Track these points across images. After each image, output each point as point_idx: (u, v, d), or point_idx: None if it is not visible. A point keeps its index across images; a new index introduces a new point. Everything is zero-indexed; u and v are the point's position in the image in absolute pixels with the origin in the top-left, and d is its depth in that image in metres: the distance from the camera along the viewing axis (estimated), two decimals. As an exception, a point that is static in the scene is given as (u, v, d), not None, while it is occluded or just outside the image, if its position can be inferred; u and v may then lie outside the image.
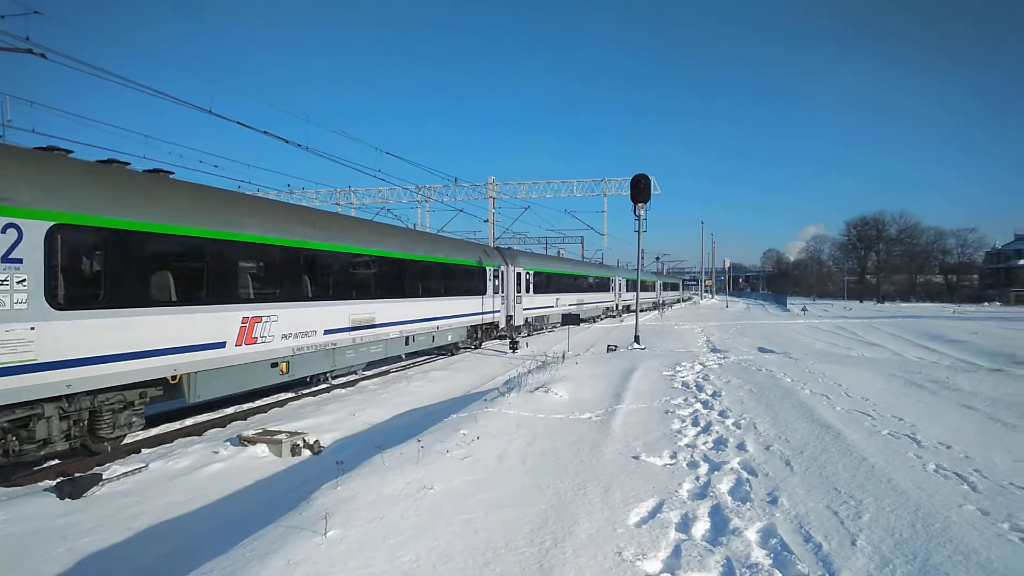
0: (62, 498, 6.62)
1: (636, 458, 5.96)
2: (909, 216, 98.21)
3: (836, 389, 9.52)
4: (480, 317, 20.97)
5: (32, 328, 6.81)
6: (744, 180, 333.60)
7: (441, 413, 8.79)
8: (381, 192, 40.90)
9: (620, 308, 44.57)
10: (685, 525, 4.40)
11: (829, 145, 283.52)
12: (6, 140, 11.72)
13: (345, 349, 12.99)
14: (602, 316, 39.71)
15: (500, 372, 15.50)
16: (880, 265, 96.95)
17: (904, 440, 6.49)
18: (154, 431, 9.67)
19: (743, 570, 3.71)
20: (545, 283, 28.38)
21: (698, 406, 8.38)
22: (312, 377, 12.64)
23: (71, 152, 8.15)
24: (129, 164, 9.01)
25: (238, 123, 16.32)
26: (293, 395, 12.65)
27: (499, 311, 22.80)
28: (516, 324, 24.04)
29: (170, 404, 10.08)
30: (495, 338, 23.26)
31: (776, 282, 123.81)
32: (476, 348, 21.20)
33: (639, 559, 3.81)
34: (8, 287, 6.58)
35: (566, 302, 31.11)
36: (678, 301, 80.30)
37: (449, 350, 20.01)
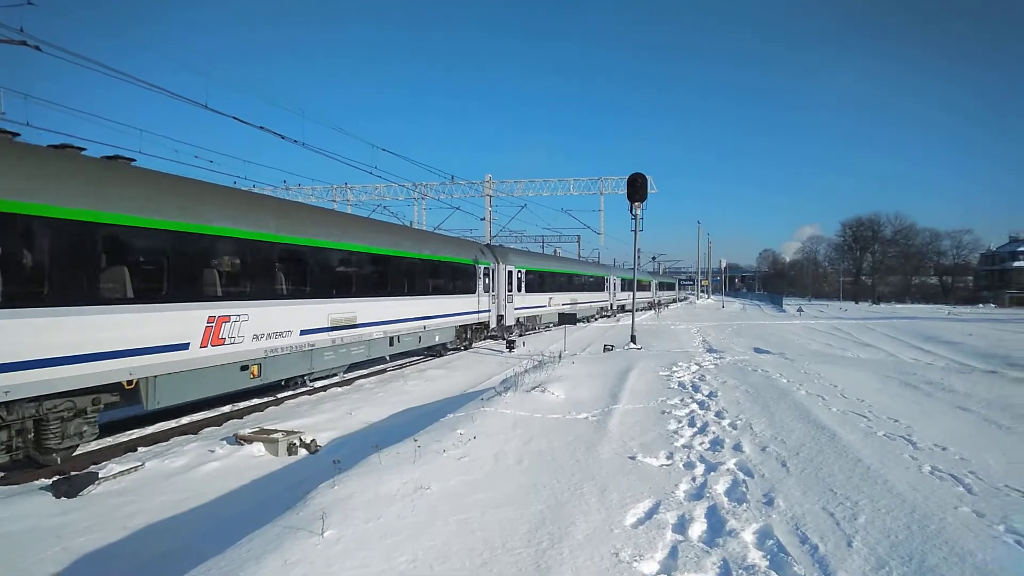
0: (58, 497, 6.59)
1: (632, 458, 5.97)
2: (904, 217, 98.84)
3: (832, 390, 9.56)
4: (469, 317, 20.41)
5: None
6: (741, 179, 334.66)
7: (438, 412, 8.79)
8: (377, 189, 40.76)
9: (615, 308, 44.57)
10: (682, 526, 4.42)
11: (827, 145, 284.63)
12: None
13: (324, 350, 12.38)
14: (596, 316, 39.67)
15: (496, 371, 15.50)
16: (875, 266, 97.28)
17: (899, 441, 6.52)
18: (150, 429, 9.63)
19: (740, 571, 3.73)
20: (538, 282, 28.00)
21: (694, 407, 8.40)
22: (288, 381, 12.09)
23: (17, 135, 7.59)
24: (85, 149, 8.38)
25: (234, 118, 15.92)
26: (290, 394, 12.60)
27: (489, 311, 22.22)
28: (507, 324, 23.72)
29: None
30: (486, 338, 22.85)
31: (772, 283, 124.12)
32: (465, 349, 20.73)
33: (636, 560, 3.83)
34: None
35: (559, 301, 30.78)
36: (674, 301, 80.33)
37: (438, 351, 19.45)
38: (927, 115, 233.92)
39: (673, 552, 3.99)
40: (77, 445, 7.88)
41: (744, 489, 5.11)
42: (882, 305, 74.33)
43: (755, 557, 3.91)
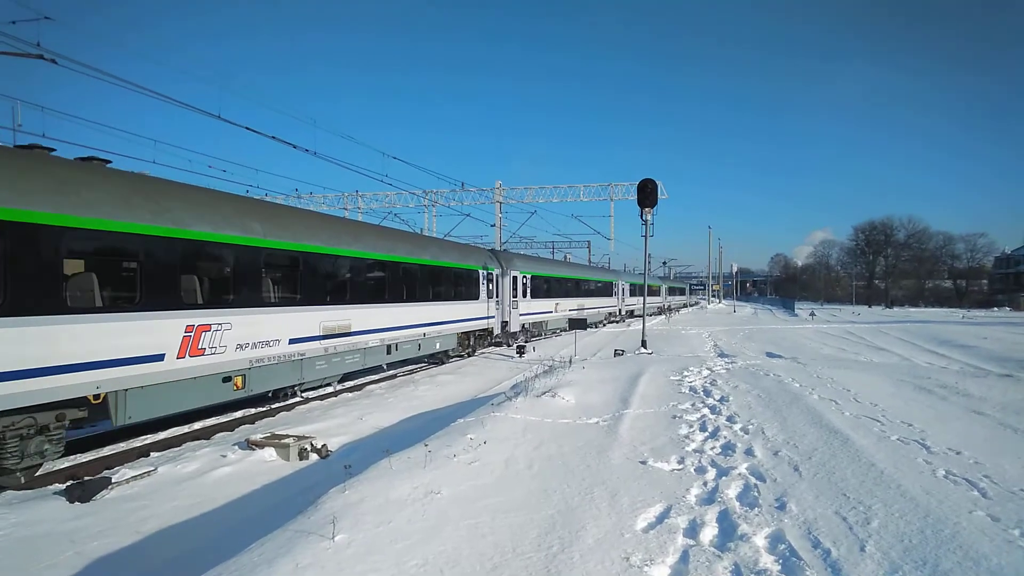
0: (72, 501, 6.67)
1: (643, 463, 5.94)
2: (917, 221, 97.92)
3: (844, 394, 9.47)
4: (472, 323, 19.93)
5: None
6: (752, 186, 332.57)
7: (448, 417, 8.80)
8: (388, 197, 41.02)
9: (624, 313, 44.41)
10: (693, 530, 4.39)
11: (838, 153, 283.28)
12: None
13: (315, 360, 11.88)
14: (604, 322, 39.52)
15: (507, 376, 15.50)
16: (888, 270, 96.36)
17: (913, 446, 6.45)
18: (163, 435, 9.72)
19: (751, 576, 3.70)
20: (544, 288, 27.66)
21: (706, 411, 8.36)
22: (275, 392, 11.67)
23: None
24: (55, 150, 8.07)
25: (246, 128, 16.11)
26: (301, 399, 12.65)
27: (493, 317, 21.72)
28: (512, 330, 23.49)
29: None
30: (490, 345, 22.53)
31: (784, 287, 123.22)
32: (469, 356, 20.34)
33: (647, 564, 3.81)
34: None
35: (566, 307, 30.40)
36: (685, 306, 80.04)
37: (439, 359, 19.00)
38: (935, 124, 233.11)
39: (684, 557, 3.97)
40: (40, 464, 7.41)
41: (756, 493, 5.08)
42: (895, 309, 73.55)
43: (767, 562, 3.88)
